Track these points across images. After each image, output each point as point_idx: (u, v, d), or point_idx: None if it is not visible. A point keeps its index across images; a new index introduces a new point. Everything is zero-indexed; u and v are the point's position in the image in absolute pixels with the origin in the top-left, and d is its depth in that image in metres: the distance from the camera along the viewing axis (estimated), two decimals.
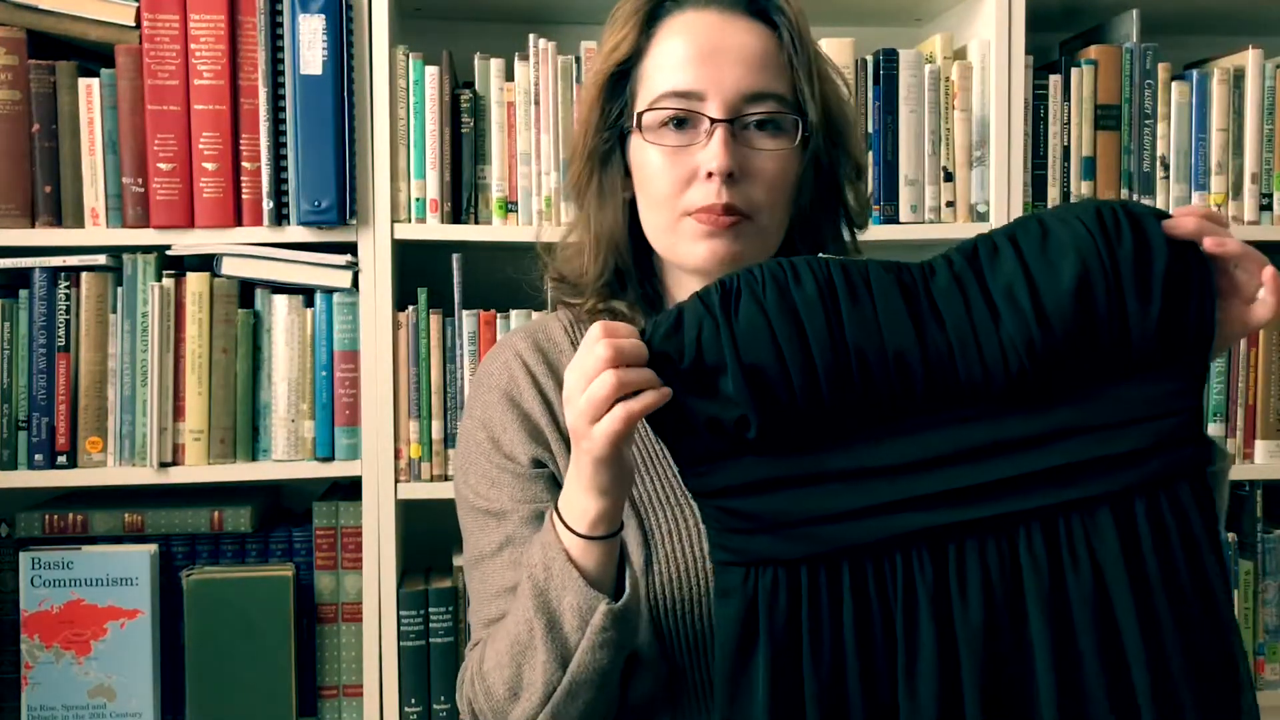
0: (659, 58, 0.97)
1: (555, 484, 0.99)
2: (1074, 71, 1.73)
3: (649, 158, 0.96)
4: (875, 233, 1.70)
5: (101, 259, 1.57)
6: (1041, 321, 0.78)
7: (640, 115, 0.96)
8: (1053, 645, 0.77)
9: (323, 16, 1.54)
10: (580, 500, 0.86)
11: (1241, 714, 0.79)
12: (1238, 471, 1.76)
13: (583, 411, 0.80)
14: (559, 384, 0.99)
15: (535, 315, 1.57)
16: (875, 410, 0.79)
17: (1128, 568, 0.77)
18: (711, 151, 0.93)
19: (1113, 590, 0.77)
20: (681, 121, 0.95)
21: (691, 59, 0.95)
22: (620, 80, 0.99)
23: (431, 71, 1.61)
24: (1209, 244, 0.80)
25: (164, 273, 1.57)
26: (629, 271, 1.02)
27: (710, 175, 0.93)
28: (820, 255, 0.83)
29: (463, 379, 1.61)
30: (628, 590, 0.88)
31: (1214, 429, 1.75)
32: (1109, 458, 0.79)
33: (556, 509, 0.89)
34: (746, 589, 0.80)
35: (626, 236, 1.01)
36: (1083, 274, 0.78)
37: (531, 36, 1.63)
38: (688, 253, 0.96)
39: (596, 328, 0.80)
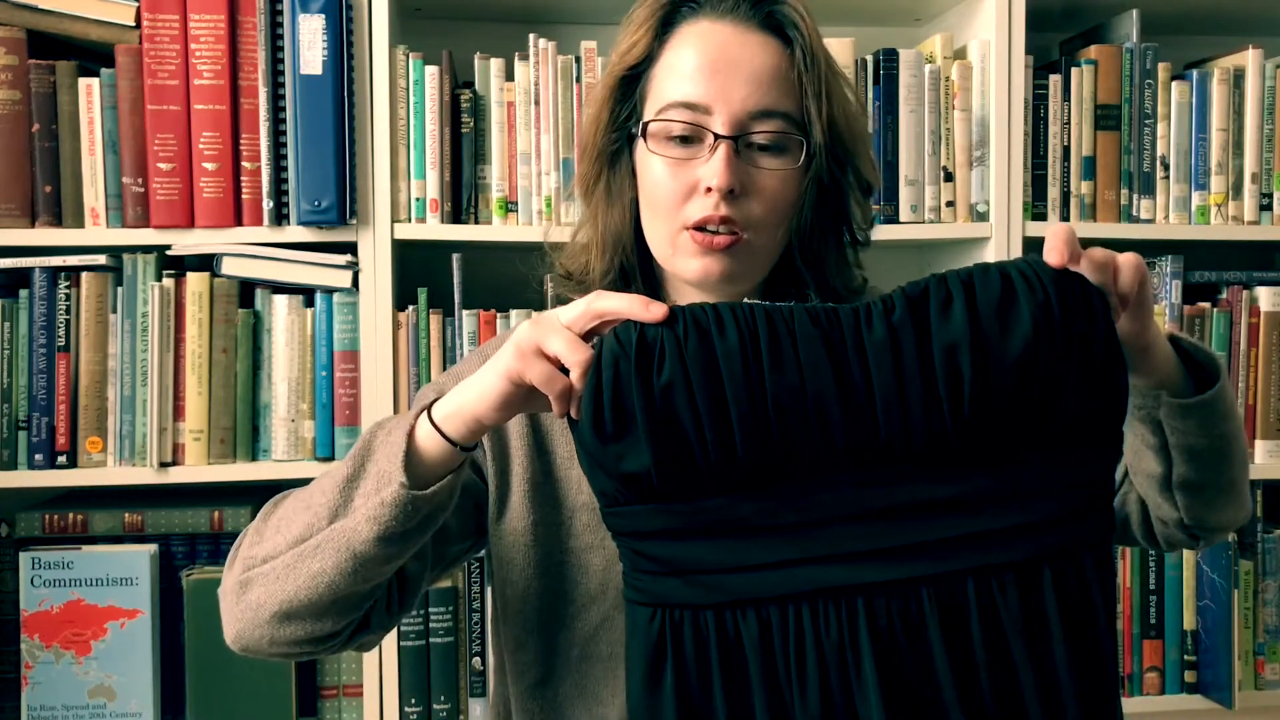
0: (669, 66, 0.96)
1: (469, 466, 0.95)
2: (1074, 71, 1.73)
3: (652, 166, 0.96)
4: (875, 233, 1.69)
5: (101, 259, 1.57)
6: (977, 391, 0.75)
7: (646, 124, 0.96)
8: (959, 702, 0.77)
9: (323, 16, 1.54)
10: (453, 397, 0.85)
11: None
12: None
13: (529, 340, 0.80)
14: None
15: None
16: (792, 465, 0.77)
17: (1027, 634, 0.77)
18: (714, 168, 0.92)
19: (1014, 655, 0.78)
20: (687, 134, 0.95)
21: (701, 70, 0.94)
22: (631, 82, 0.99)
23: (431, 71, 1.61)
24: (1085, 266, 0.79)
25: (164, 273, 1.57)
26: (633, 270, 1.02)
27: (710, 190, 0.93)
28: (746, 301, 0.79)
29: None
30: (434, 487, 0.84)
31: None
32: (1019, 526, 0.78)
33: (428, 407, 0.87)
34: (651, 630, 0.79)
35: (632, 236, 1.01)
36: (1031, 347, 0.75)
37: (531, 36, 1.63)
38: (684, 266, 0.96)
39: (601, 297, 0.80)
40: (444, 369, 1.61)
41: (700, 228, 0.94)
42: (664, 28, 0.97)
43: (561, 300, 1.08)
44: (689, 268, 0.96)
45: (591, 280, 1.03)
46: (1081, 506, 0.79)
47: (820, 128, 0.95)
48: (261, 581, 0.88)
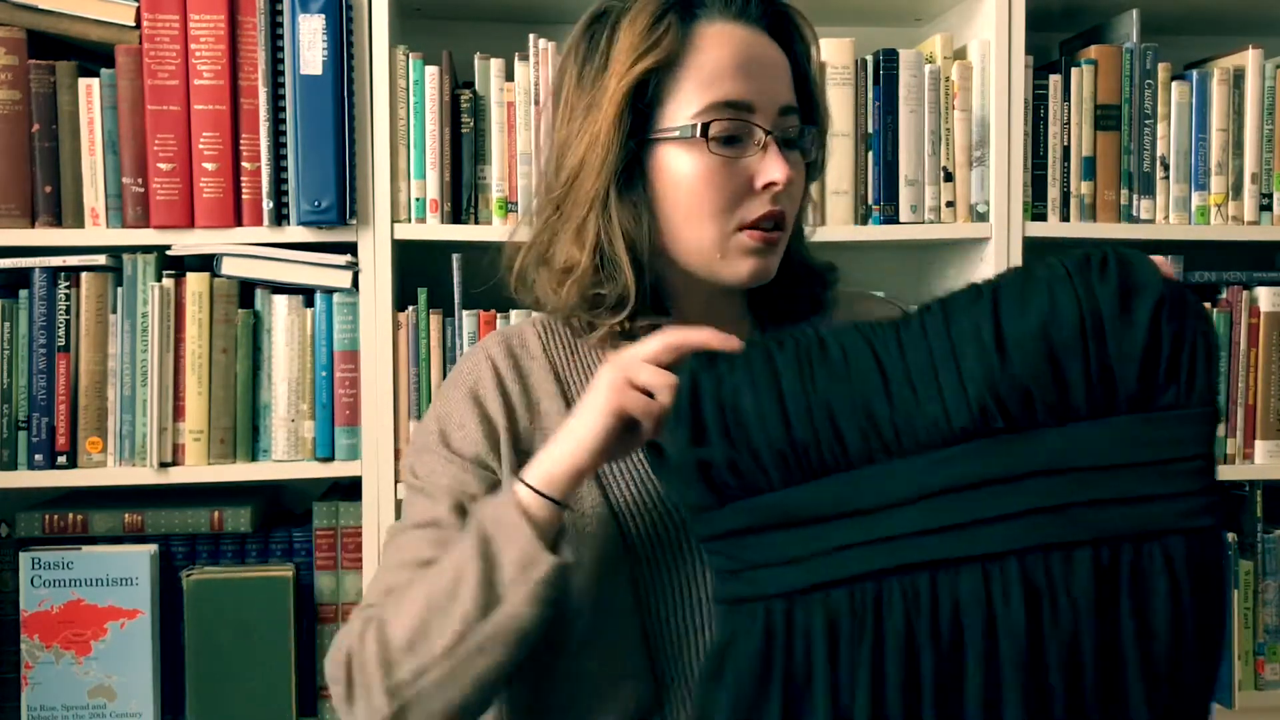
0: (701, 67, 0.95)
1: (493, 486, 0.98)
2: (1074, 71, 1.73)
3: (698, 169, 0.94)
4: (875, 232, 1.70)
5: (101, 259, 1.57)
6: (1001, 354, 0.78)
7: (705, 125, 0.94)
8: (1023, 684, 0.77)
9: (323, 16, 1.54)
10: (548, 458, 0.88)
11: None
12: (1238, 471, 1.76)
13: (619, 375, 0.86)
14: (524, 390, 1.01)
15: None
16: (849, 455, 0.81)
17: (1098, 615, 0.76)
18: (773, 164, 0.94)
19: (1082, 637, 0.77)
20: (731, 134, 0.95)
21: (741, 70, 0.95)
22: (642, 87, 0.95)
23: (431, 71, 1.61)
24: None
25: (164, 273, 1.57)
26: (644, 292, 0.98)
27: (767, 187, 0.94)
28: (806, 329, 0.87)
29: None
30: (567, 552, 0.88)
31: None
32: (1095, 502, 0.77)
33: (519, 475, 0.90)
34: (727, 624, 0.83)
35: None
36: (1050, 307, 0.77)
37: (531, 36, 1.63)
38: (734, 268, 0.96)
39: (678, 333, 0.86)
40: (444, 369, 1.61)
41: (756, 225, 0.95)
42: (680, 30, 0.97)
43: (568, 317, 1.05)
44: (741, 269, 0.96)
45: (606, 306, 0.98)
46: (1163, 486, 0.77)
47: (825, 122, 1.02)
48: (423, 700, 0.88)
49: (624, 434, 0.87)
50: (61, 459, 1.56)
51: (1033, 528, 0.78)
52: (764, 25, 0.98)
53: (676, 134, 0.95)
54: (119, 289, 1.57)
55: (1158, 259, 0.81)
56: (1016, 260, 1.70)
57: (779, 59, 0.98)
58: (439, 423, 1.02)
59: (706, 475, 0.83)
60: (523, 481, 0.89)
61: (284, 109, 1.56)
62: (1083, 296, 0.77)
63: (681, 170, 0.95)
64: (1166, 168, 1.75)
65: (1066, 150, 1.74)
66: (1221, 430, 1.75)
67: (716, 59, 0.95)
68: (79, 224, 1.57)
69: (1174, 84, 1.75)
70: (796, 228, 1.05)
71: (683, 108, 0.95)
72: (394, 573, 0.96)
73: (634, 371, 0.85)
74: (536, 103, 1.63)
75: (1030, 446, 0.79)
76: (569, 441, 0.88)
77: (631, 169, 0.96)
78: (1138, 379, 0.77)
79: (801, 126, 0.99)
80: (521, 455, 0.99)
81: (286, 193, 1.57)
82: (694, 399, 0.83)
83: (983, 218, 1.71)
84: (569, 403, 1.01)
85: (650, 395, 0.85)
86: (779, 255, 0.99)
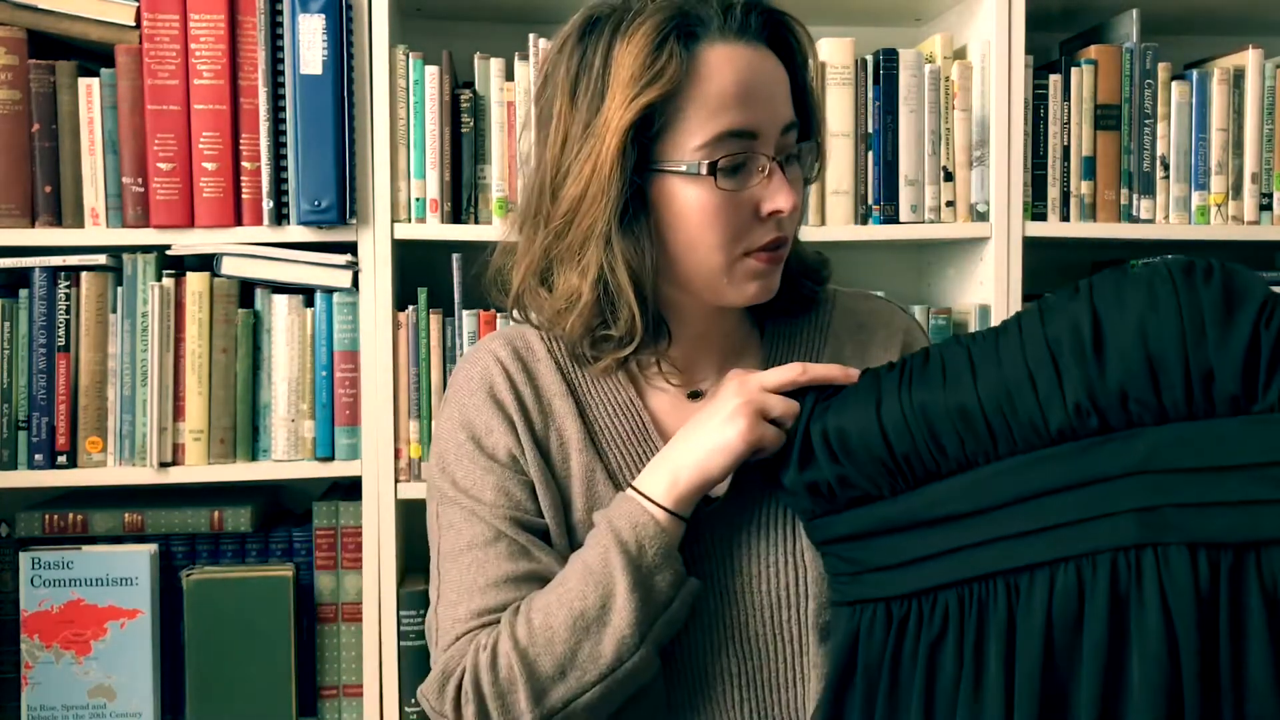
0: (706, 95, 0.91)
1: (530, 490, 0.98)
2: (1074, 71, 1.73)
3: (704, 203, 0.92)
4: (875, 232, 1.70)
5: (101, 259, 1.57)
6: (1099, 354, 0.78)
7: (712, 163, 0.91)
8: (1102, 680, 0.77)
9: (323, 16, 1.54)
10: (669, 476, 0.92)
11: None
12: None
13: (752, 406, 0.90)
14: (535, 390, 1.00)
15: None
16: (946, 462, 0.85)
17: (1199, 620, 0.75)
18: (779, 192, 0.93)
19: (1180, 637, 0.75)
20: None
21: (743, 96, 0.92)
22: (643, 119, 0.91)
23: (431, 71, 1.61)
24: None
25: (164, 272, 1.57)
26: (644, 322, 0.96)
27: (773, 214, 0.93)
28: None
29: None
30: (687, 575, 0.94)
31: None
32: (1194, 504, 0.76)
33: (632, 486, 0.94)
34: (850, 625, 0.88)
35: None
36: (1149, 306, 0.77)
37: (531, 36, 1.63)
38: (739, 292, 0.96)
39: (808, 370, 0.92)
40: (444, 369, 1.61)
41: (762, 249, 0.95)
42: (682, 54, 0.93)
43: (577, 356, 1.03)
44: (747, 291, 0.96)
45: (614, 339, 0.96)
46: (1265, 492, 0.75)
47: (823, 135, 1.02)
48: (575, 718, 0.91)
49: (742, 459, 0.92)
50: (61, 459, 1.56)
51: (1128, 528, 0.77)
52: (763, 38, 0.95)
53: (684, 168, 0.91)
54: (119, 289, 1.57)
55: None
56: (1017, 260, 1.70)
57: (779, 74, 0.95)
58: (467, 429, 0.99)
59: (816, 490, 0.89)
60: (644, 495, 0.92)
61: (284, 109, 1.56)
62: (1184, 297, 0.77)
63: (687, 203, 0.92)
64: (1166, 168, 1.75)
65: (1066, 150, 1.74)
66: None
67: (720, 86, 0.91)
68: (79, 224, 1.57)
69: (1174, 84, 1.75)
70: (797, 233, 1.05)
71: (687, 139, 0.91)
72: (481, 596, 0.94)
73: (767, 405, 0.91)
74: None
75: (1126, 447, 0.79)
76: (696, 454, 0.92)
77: (634, 199, 0.92)
78: (1239, 381, 0.76)
79: (801, 143, 0.98)
80: (541, 454, 0.99)
81: (286, 192, 1.57)
82: (806, 430, 0.89)
83: (983, 217, 1.71)
84: (579, 403, 1.01)
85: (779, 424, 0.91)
86: (781, 270, 0.99)
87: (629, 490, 0.93)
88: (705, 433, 0.92)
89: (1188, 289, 0.77)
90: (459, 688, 0.91)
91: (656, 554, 0.90)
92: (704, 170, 0.91)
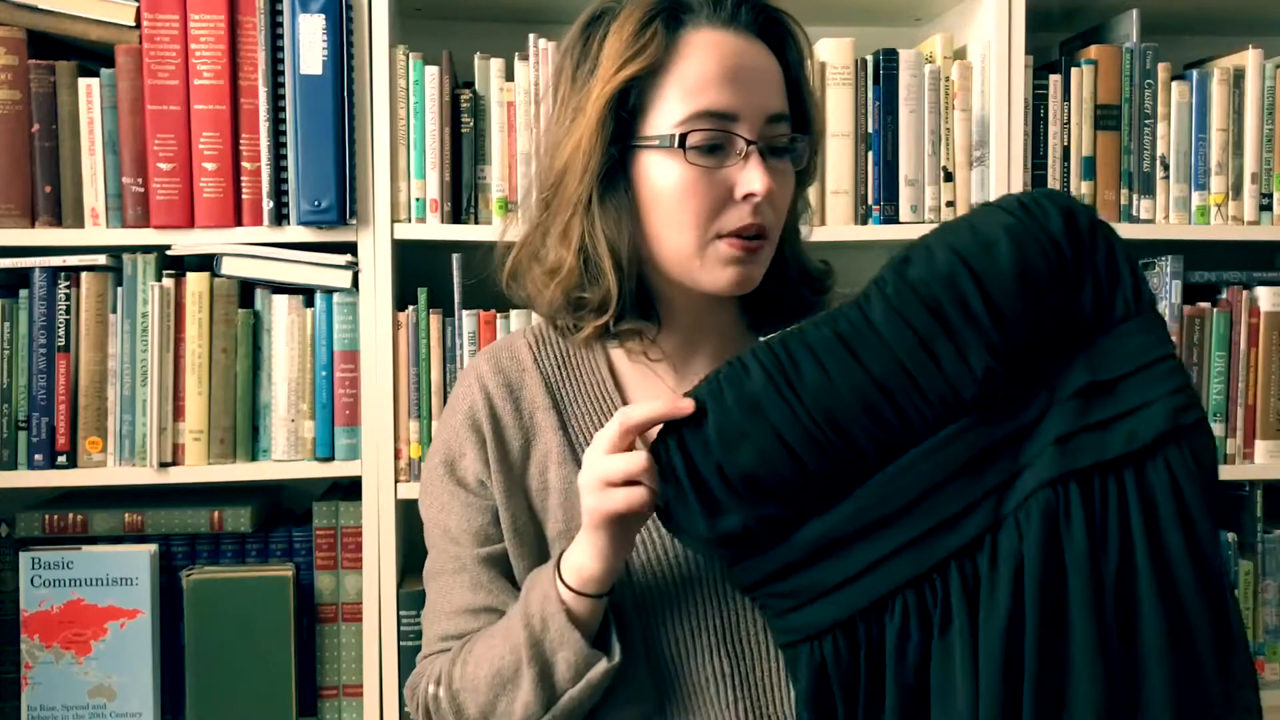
0: (685, 75, 0.94)
1: (495, 516, 1.02)
2: (1074, 71, 1.73)
3: (677, 178, 0.94)
4: (875, 232, 1.70)
5: (101, 259, 1.57)
6: (995, 316, 0.78)
7: (683, 135, 0.93)
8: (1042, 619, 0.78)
9: (323, 16, 1.54)
10: (579, 557, 0.92)
11: (1233, 677, 0.78)
12: (1238, 471, 1.76)
13: (592, 479, 0.88)
14: (516, 408, 1.03)
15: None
16: (863, 463, 0.81)
17: (1121, 535, 0.78)
18: (754, 175, 0.93)
19: (1102, 562, 0.78)
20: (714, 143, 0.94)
21: (724, 79, 0.94)
22: (624, 94, 0.95)
23: (431, 71, 1.61)
24: None
25: (164, 273, 1.57)
26: (628, 295, 0.98)
27: (747, 197, 0.93)
28: (760, 340, 0.85)
29: None
30: (616, 651, 0.93)
31: (1214, 429, 1.75)
32: (1100, 424, 0.79)
33: (558, 562, 0.94)
34: (814, 659, 0.84)
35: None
36: (1020, 251, 0.78)
37: (531, 36, 1.63)
38: (713, 277, 0.95)
39: (626, 415, 0.87)
40: (444, 369, 1.61)
41: (736, 235, 0.94)
42: (667, 37, 0.96)
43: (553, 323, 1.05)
44: (720, 277, 0.95)
45: (589, 308, 0.98)
46: (1150, 392, 0.79)
47: (815, 129, 1.01)
48: None
49: (630, 523, 0.90)
50: (61, 459, 1.56)
51: (1049, 463, 0.78)
52: (755, 31, 0.97)
53: (657, 143, 0.94)
54: (119, 289, 1.57)
55: None
56: None
57: (768, 66, 0.96)
58: (444, 453, 1.05)
59: (731, 540, 0.83)
60: (562, 580, 0.93)
61: (284, 109, 1.56)
62: (1041, 238, 0.79)
63: (662, 178, 0.95)
64: (1166, 168, 1.75)
65: (1066, 150, 1.74)
66: (1221, 430, 1.75)
67: (700, 67, 0.94)
68: (79, 224, 1.57)
69: (1174, 84, 1.75)
70: (793, 231, 1.05)
71: (665, 116, 0.94)
72: (446, 620, 1.02)
73: (605, 471, 0.87)
74: (536, 103, 1.63)
75: (1030, 390, 0.80)
76: (585, 556, 0.91)
77: (615, 174, 0.96)
78: (1093, 301, 0.79)
79: (793, 134, 0.98)
80: (513, 477, 1.02)
81: (286, 192, 1.57)
82: (690, 477, 0.83)
83: None
84: (562, 414, 1.03)
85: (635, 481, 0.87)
86: (762, 265, 0.97)
87: (558, 557, 0.95)
88: (582, 533, 0.92)
89: (1041, 230, 0.79)
90: (419, 705, 1.02)
91: (557, 632, 0.92)
92: (676, 144, 0.93)
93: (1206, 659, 0.77)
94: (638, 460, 0.85)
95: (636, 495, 0.86)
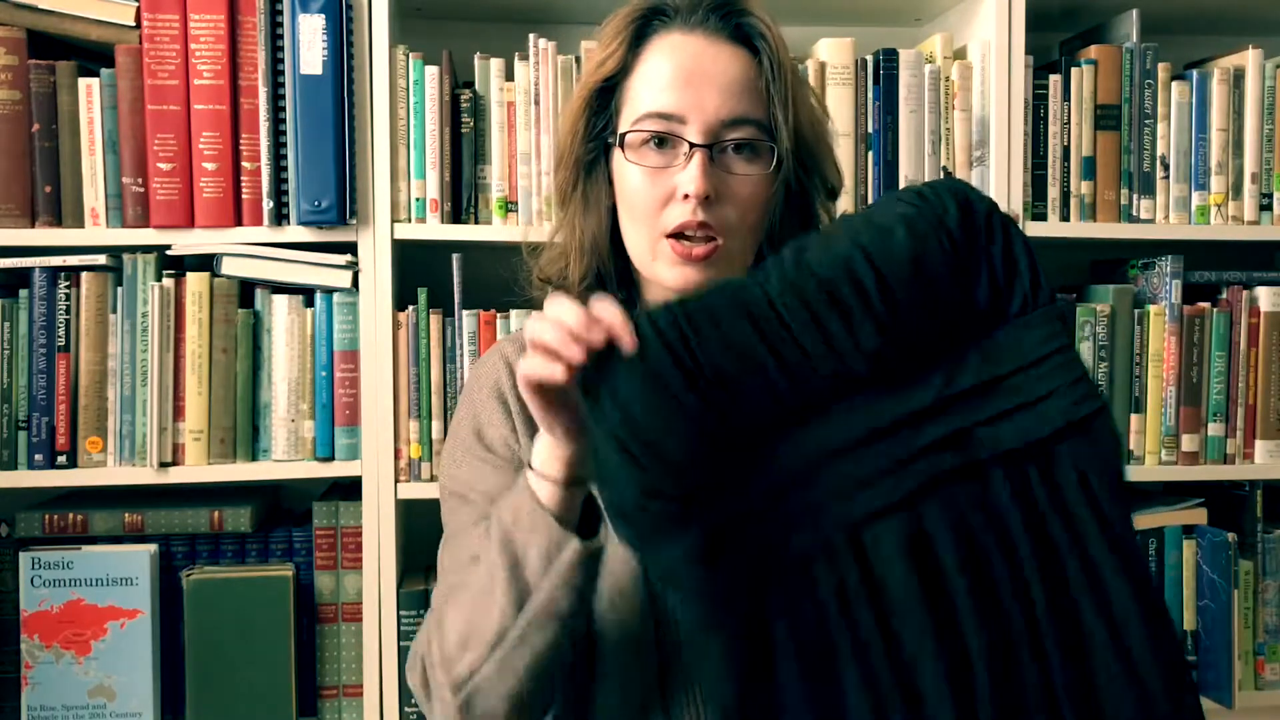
0: (644, 77, 1.00)
1: None
2: (1074, 71, 1.73)
3: (630, 175, 1.00)
4: None
5: (101, 259, 1.57)
6: (887, 299, 0.78)
7: (623, 134, 1.00)
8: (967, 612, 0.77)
9: (323, 16, 1.54)
10: (538, 443, 0.90)
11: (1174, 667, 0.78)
12: (1238, 471, 1.76)
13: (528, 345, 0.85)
14: None
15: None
16: (761, 434, 0.79)
17: (1027, 527, 0.78)
18: (689, 174, 0.96)
19: (1019, 548, 0.78)
20: (662, 141, 0.98)
21: (675, 82, 0.97)
22: (607, 93, 1.03)
23: (431, 71, 1.61)
24: None
25: (164, 273, 1.57)
26: (610, 276, 1.06)
27: (686, 197, 0.96)
28: (663, 303, 0.81)
29: (462, 379, 1.61)
30: (600, 535, 0.89)
31: (1214, 429, 1.75)
32: (995, 418, 0.79)
33: (529, 463, 0.91)
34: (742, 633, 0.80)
35: (609, 243, 1.05)
36: (915, 239, 0.79)
37: (531, 36, 1.63)
38: (664, 274, 1.00)
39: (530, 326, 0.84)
40: (444, 369, 1.61)
41: (678, 236, 0.97)
42: (637, 39, 1.01)
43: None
44: (669, 275, 0.99)
45: (570, 284, 1.06)
46: (1049, 384, 0.80)
47: (787, 133, 0.99)
48: (483, 692, 0.90)
49: (555, 402, 0.84)
50: (61, 459, 1.56)
51: (945, 455, 0.78)
52: (728, 35, 0.99)
53: (612, 142, 1.02)
54: (119, 289, 1.57)
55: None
56: None
57: (731, 69, 0.98)
58: (472, 423, 1.07)
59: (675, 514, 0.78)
60: (531, 468, 0.90)
61: (284, 109, 1.56)
62: (935, 225, 0.79)
63: (619, 175, 1.02)
64: (1166, 168, 1.75)
65: (1066, 150, 1.73)
66: (1221, 430, 1.75)
67: (655, 70, 0.99)
68: (79, 224, 1.57)
69: (1174, 84, 1.75)
70: (781, 235, 1.02)
71: (626, 116, 1.01)
72: (454, 573, 0.98)
73: (534, 335, 0.82)
74: (536, 103, 1.63)
75: (926, 379, 0.80)
76: (540, 425, 0.88)
77: (596, 168, 1.04)
78: (989, 292, 0.80)
79: (752, 138, 0.98)
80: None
81: (286, 192, 1.57)
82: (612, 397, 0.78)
83: None
84: None
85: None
86: (715, 268, 0.97)
87: (526, 467, 0.92)
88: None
89: (935, 220, 0.79)
90: (416, 668, 0.95)
91: (528, 518, 0.88)
92: (617, 143, 1.00)
93: (1137, 645, 0.77)
94: (555, 324, 0.82)
95: (553, 370, 0.81)
